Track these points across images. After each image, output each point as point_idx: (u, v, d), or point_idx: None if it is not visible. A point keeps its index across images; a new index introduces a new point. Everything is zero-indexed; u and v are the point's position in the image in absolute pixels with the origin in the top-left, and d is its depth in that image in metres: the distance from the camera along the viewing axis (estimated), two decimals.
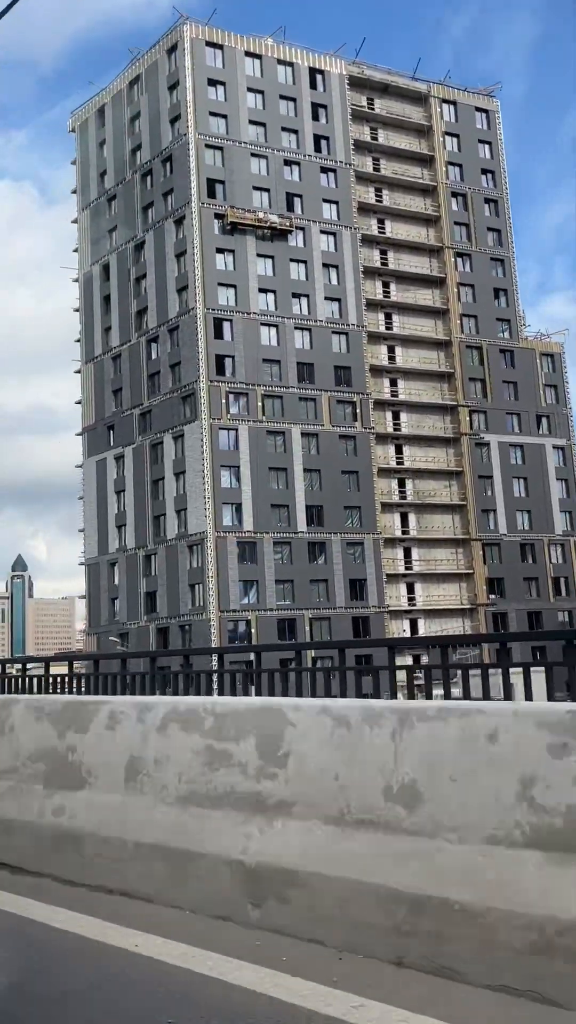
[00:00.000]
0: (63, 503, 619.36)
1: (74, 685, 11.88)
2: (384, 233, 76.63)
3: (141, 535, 70.29)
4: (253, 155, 71.23)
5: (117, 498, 73.33)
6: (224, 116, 70.63)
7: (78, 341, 79.67)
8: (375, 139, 77.47)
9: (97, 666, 13.27)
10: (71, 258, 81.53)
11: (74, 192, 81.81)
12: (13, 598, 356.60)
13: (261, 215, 69.97)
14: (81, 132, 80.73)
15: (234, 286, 68.77)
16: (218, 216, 68.89)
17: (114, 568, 72.83)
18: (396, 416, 74.89)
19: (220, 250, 68.75)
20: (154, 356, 71.16)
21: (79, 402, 78.78)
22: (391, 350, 75.75)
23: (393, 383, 75.19)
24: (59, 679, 12.06)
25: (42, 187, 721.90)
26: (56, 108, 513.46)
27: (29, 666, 14.08)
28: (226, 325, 68.07)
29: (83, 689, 11.69)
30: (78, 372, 79.34)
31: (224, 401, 66.66)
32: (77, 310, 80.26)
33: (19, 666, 14.05)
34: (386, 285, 76.47)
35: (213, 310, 67.46)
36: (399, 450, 74.55)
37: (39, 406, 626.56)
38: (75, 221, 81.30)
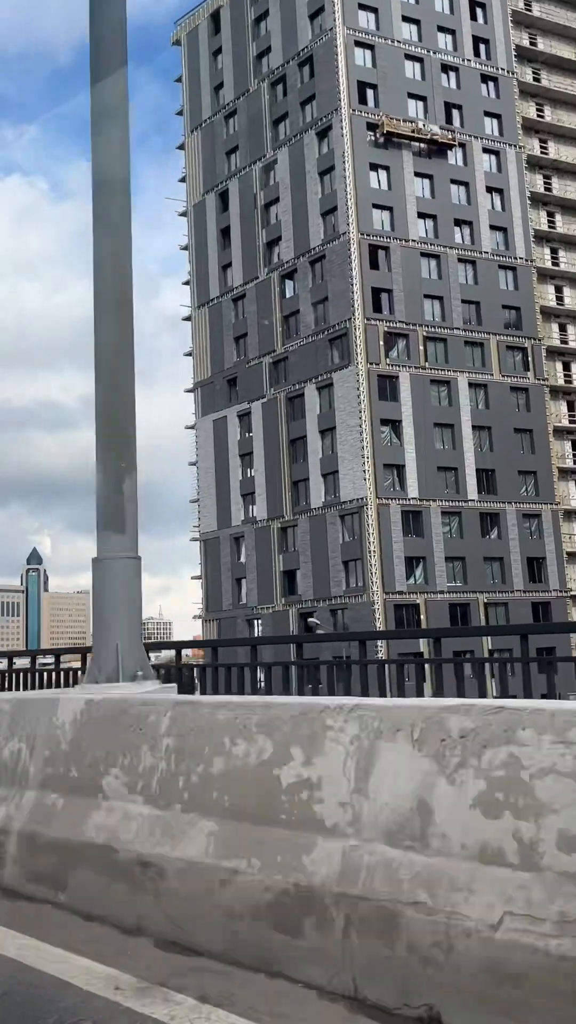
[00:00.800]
0: (68, 498, 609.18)
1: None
2: (547, 155, 65.72)
3: (275, 505, 59.49)
4: (407, 57, 60.34)
5: (242, 462, 62.54)
6: (374, 10, 59.72)
7: (186, 284, 68.90)
8: (534, 46, 66.50)
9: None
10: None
11: (179, 114, 70.94)
12: (28, 592, 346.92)
13: (420, 125, 59.09)
14: (189, 42, 69.81)
15: (390, 208, 57.97)
16: (370, 127, 58.06)
17: (239, 543, 62.04)
18: (567, 368, 64.02)
19: (374, 166, 57.93)
20: (290, 294, 60.36)
21: (189, 353, 68.00)
22: (558, 290, 64.83)
23: (562, 328, 64.29)
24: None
25: (53, 182, 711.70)
26: (61, 106, 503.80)
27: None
28: (381, 254, 57.26)
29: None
30: (187, 319, 68.55)
31: (381, 343, 55.88)
32: (185, 248, 69.50)
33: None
34: (550, 215, 65.58)
35: (368, 236, 56.65)
36: (571, 407, 63.68)
37: (46, 401, 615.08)
38: (181, 147, 70.45)
